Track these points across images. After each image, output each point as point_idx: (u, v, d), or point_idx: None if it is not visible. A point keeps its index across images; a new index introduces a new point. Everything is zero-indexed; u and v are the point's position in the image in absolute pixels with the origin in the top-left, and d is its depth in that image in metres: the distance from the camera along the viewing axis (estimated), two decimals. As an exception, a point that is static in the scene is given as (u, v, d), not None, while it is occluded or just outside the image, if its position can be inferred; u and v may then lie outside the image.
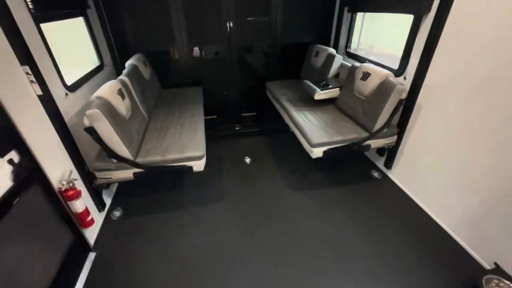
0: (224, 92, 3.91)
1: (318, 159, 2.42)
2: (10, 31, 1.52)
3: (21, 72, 1.61)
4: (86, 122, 1.83)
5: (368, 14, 3.44)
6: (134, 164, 2.09)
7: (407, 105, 2.37)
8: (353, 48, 3.51)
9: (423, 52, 2.20)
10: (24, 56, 1.59)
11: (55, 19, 2.10)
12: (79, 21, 2.61)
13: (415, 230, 2.16)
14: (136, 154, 2.15)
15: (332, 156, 2.39)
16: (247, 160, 3.15)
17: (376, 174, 2.80)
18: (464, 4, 1.85)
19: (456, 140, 2.02)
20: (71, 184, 1.84)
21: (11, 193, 1.38)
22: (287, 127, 3.16)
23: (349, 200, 2.48)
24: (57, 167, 1.83)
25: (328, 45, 3.70)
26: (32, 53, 1.67)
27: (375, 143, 2.48)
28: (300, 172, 2.92)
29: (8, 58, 1.53)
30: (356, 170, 2.93)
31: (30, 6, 1.76)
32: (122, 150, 2.00)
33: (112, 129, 1.86)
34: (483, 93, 1.79)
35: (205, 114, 3.10)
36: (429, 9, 2.10)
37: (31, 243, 1.53)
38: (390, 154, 2.71)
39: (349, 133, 2.42)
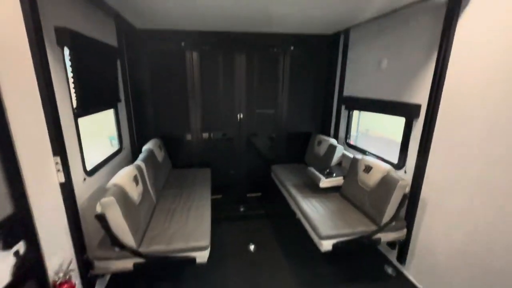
0: (231, 171, 4.06)
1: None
2: (53, 126, 1.72)
3: (51, 162, 1.74)
4: (99, 209, 1.86)
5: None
6: (137, 254, 2.00)
7: (412, 199, 2.42)
8: (353, 139, 3.81)
9: (419, 149, 2.38)
10: (59, 148, 1.76)
11: (92, 113, 2.39)
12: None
13: None
14: (140, 242, 2.09)
15: (342, 249, 2.30)
16: (251, 247, 3.01)
17: (389, 270, 2.62)
18: (449, 111, 2.10)
19: (471, 237, 1.97)
20: (67, 277, 1.73)
21: (4, 293, 1.30)
22: (292, 212, 3.14)
23: (364, 302, 2.25)
24: (59, 255, 1.76)
25: (329, 135, 4.03)
26: (65, 145, 1.85)
27: (385, 236, 2.41)
28: (308, 265, 2.73)
29: (44, 150, 1.68)
30: (369, 264, 2.75)
31: (74, 106, 2.05)
32: (128, 238, 1.96)
33: (122, 217, 1.87)
34: (485, 191, 1.85)
35: (211, 194, 3.15)
36: (418, 115, 2.39)
37: None
38: (402, 248, 2.60)
39: (358, 225, 2.39)
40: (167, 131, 3.74)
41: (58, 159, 1.75)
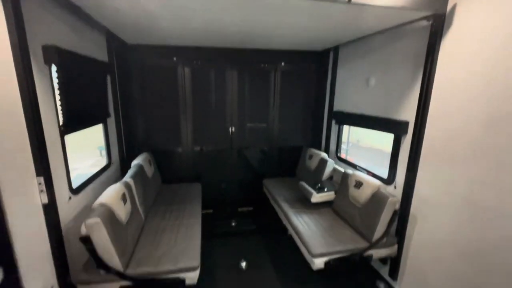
0: (222, 184, 4.02)
1: None
2: (37, 146, 1.67)
3: (34, 183, 1.68)
4: (83, 231, 1.79)
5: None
6: (124, 276, 1.93)
7: (402, 215, 2.43)
8: (344, 151, 3.85)
9: (408, 165, 2.41)
10: (42, 168, 1.70)
11: (79, 129, 2.33)
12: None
13: None
14: (127, 264, 2.02)
15: (334, 267, 2.28)
16: (243, 264, 2.94)
17: (382, 286, 2.60)
18: (435, 128, 2.15)
19: (459, 255, 1.97)
20: (47, 305, 1.65)
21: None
22: (284, 227, 3.11)
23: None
24: (39, 281, 1.67)
25: (320, 148, 4.06)
26: (50, 164, 1.79)
27: (376, 253, 2.41)
28: (301, 282, 2.69)
29: (26, 170, 1.63)
30: (361, 280, 2.73)
31: (61, 123, 2.00)
32: (114, 260, 1.89)
33: (108, 239, 1.81)
34: (472, 208, 1.87)
35: (202, 208, 3.11)
36: (406, 132, 2.44)
37: None
38: (393, 264, 2.59)
39: (350, 242, 2.38)
40: (158, 145, 3.69)
41: (41, 179, 1.70)
